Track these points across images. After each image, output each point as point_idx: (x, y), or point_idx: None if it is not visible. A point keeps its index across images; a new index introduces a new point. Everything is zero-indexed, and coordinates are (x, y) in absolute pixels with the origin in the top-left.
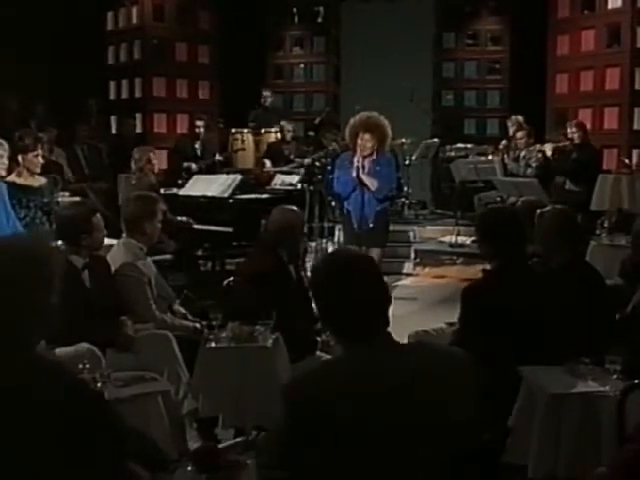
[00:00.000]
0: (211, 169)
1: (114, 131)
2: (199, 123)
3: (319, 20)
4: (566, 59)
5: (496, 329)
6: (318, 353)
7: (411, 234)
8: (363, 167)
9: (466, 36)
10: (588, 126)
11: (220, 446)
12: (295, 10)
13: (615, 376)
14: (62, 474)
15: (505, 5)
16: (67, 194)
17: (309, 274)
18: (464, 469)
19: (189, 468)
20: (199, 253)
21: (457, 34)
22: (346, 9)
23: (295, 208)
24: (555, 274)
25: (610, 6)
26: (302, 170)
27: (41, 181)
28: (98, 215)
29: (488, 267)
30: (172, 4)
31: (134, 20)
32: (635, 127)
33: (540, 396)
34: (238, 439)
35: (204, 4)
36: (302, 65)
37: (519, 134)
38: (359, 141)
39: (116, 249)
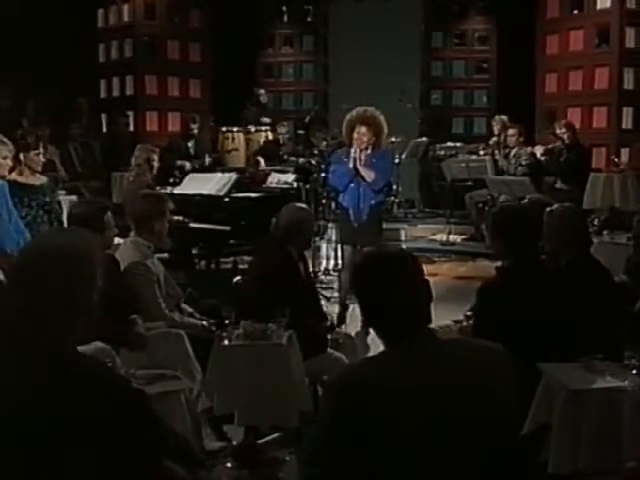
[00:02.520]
0: (205, 168)
1: (105, 129)
2: (193, 126)
3: (308, 19)
4: (555, 59)
5: (510, 326)
6: (329, 350)
7: (402, 232)
8: (360, 159)
9: (454, 36)
10: (577, 125)
11: (260, 442)
12: (284, 9)
13: (634, 371)
14: (105, 473)
15: (493, 5)
16: (63, 192)
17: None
18: (503, 467)
19: (229, 464)
20: (195, 252)
21: (445, 34)
22: (335, 8)
23: (305, 206)
24: (564, 271)
25: (599, 6)
26: (293, 169)
27: (42, 180)
28: (109, 213)
29: (499, 264)
30: (163, 2)
31: (125, 18)
32: (623, 126)
33: (560, 392)
34: (275, 435)
35: (195, 2)
36: (291, 64)
37: (510, 131)
38: (355, 135)
39: (124, 248)
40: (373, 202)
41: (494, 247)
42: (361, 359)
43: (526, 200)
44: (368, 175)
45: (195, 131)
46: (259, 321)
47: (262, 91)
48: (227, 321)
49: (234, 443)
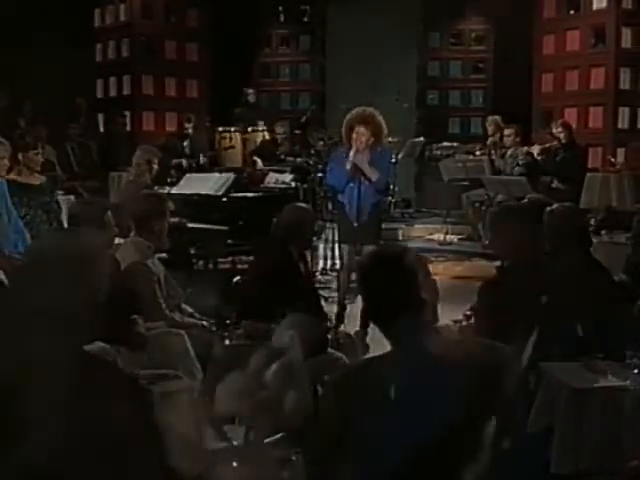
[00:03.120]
0: (202, 168)
1: (102, 129)
2: (187, 125)
3: (305, 19)
4: (552, 59)
5: (511, 325)
6: (329, 350)
7: (399, 232)
8: (362, 158)
9: (450, 36)
10: (573, 125)
11: (264, 442)
12: (281, 9)
13: (635, 370)
14: (110, 472)
15: (490, 5)
16: (61, 192)
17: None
18: (505, 466)
19: (234, 464)
20: (193, 251)
21: (442, 34)
22: (332, 8)
23: (305, 206)
24: (565, 271)
25: (595, 6)
26: (290, 169)
27: (41, 179)
28: (109, 213)
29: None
30: (160, 1)
31: (122, 17)
32: (620, 126)
33: (562, 391)
34: (279, 434)
35: (192, 1)
36: (288, 64)
37: (507, 131)
38: (354, 135)
39: (124, 247)
40: (375, 201)
41: (494, 247)
42: (362, 359)
43: (526, 200)
44: (373, 175)
45: (190, 130)
46: (260, 321)
47: (251, 90)
48: (227, 321)
49: (235, 443)
